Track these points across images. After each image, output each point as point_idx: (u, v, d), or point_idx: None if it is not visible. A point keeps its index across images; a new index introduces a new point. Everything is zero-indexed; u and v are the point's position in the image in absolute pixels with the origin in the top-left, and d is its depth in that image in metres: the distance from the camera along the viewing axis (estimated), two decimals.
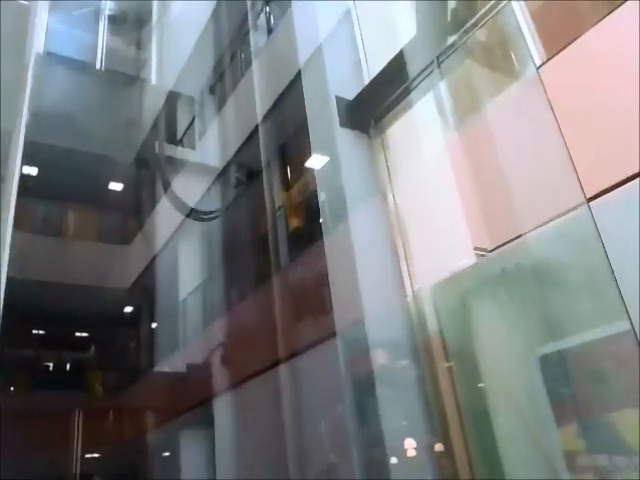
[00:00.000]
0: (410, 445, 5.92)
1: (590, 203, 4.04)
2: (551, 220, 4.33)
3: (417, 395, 5.79)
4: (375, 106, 6.88)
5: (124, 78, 15.49)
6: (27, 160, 13.66)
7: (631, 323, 3.27)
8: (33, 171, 14.50)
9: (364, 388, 6.39)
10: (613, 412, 3.67)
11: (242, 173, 10.05)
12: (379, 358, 6.33)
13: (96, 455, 14.46)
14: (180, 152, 13.25)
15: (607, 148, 4.09)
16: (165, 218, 13.11)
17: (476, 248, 5.39)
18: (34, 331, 16.50)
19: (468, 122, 6.03)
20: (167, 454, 12.87)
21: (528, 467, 4.34)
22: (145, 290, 14.49)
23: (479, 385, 5.09)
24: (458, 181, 5.77)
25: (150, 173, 14.88)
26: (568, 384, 4.03)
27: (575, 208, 4.15)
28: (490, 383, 4.88)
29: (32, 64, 10.85)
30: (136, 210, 16.03)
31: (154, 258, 13.35)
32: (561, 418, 4.04)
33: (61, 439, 12.68)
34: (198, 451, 10.94)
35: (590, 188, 4.09)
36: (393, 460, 6.01)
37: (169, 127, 13.71)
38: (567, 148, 4.33)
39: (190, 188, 11.88)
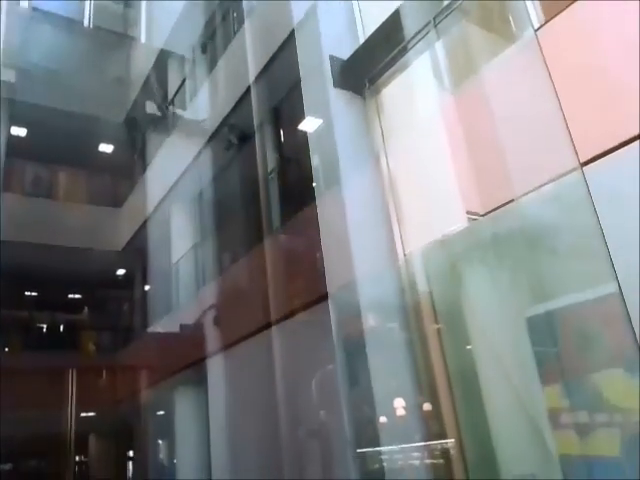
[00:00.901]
0: (399, 404, 6.06)
1: (584, 167, 4.04)
2: (544, 184, 4.34)
3: (406, 356, 5.90)
4: (370, 66, 6.75)
5: (113, 36, 15.09)
6: (15, 121, 13.43)
7: (618, 285, 3.32)
8: (22, 132, 14.26)
9: (355, 349, 6.49)
10: (596, 372, 3.77)
11: (234, 135, 9.91)
12: (370, 320, 6.42)
13: (91, 414, 14.73)
14: (171, 112, 13.02)
15: (603, 112, 4.06)
16: (157, 180, 13.00)
17: (468, 212, 5.41)
18: (27, 293, 16.55)
19: (464, 85, 5.96)
20: (161, 412, 13.12)
21: (513, 424, 4.47)
22: (137, 253, 14.49)
23: (467, 347, 5.18)
24: (452, 145, 5.73)
25: (141, 134, 14.67)
26: (554, 345, 4.11)
27: (568, 172, 4.15)
28: (478, 345, 4.97)
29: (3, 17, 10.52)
30: (127, 172, 15.87)
31: (146, 221, 13.29)
32: (546, 378, 4.14)
33: (55, 397, 12.87)
34: (192, 410, 11.16)
35: (584, 152, 4.08)
36: (382, 419, 6.16)
37: (160, 87, 13.45)
38: (562, 112, 4.30)
39: (181, 150, 11.74)
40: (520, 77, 4.93)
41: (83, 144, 14.64)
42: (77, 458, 15.60)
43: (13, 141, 13.64)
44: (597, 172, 3.95)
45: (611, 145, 3.89)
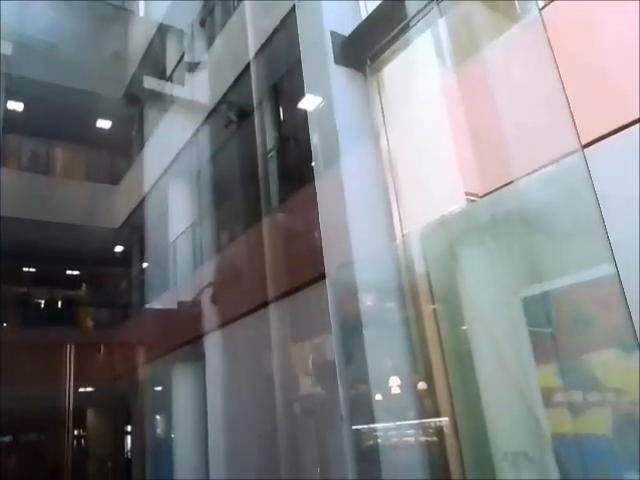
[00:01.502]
0: (394, 383, 6.13)
1: (585, 149, 4.03)
2: (544, 166, 4.32)
3: (402, 336, 5.94)
4: (371, 43, 6.66)
5: (111, 10, 14.85)
6: (11, 95, 13.28)
7: (616, 267, 3.34)
8: (18, 107, 14.12)
9: (351, 328, 6.54)
10: (591, 352, 3.81)
11: (233, 112, 9.83)
12: (367, 300, 6.45)
13: (89, 389, 14.88)
14: (169, 88, 12.87)
15: (606, 94, 4.03)
16: (154, 158, 12.93)
17: (467, 193, 5.39)
18: (25, 269, 16.57)
19: (466, 64, 5.89)
20: (159, 388, 13.25)
21: (506, 403, 4.53)
22: (135, 230, 14.48)
23: (462, 327, 5.22)
24: (452, 125, 5.69)
25: (139, 110, 14.54)
26: (549, 325, 4.15)
27: (569, 154, 4.13)
28: (473, 325, 5.01)
29: None
30: (125, 149, 15.77)
31: (143, 199, 13.25)
32: (541, 357, 4.19)
33: (53, 373, 12.98)
34: (189, 386, 11.27)
35: (586, 135, 4.06)
36: (378, 397, 6.24)
37: (158, 62, 13.28)
38: (565, 94, 4.26)
39: (179, 127, 11.64)
40: (523, 57, 4.88)
41: (80, 120, 14.53)
42: (75, 432, 15.81)
43: (9, 116, 13.51)
44: (598, 154, 3.93)
45: (613, 127, 3.87)
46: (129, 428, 15.91)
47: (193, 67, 11.91)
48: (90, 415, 16.81)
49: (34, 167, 15.42)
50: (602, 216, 3.70)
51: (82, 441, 16.54)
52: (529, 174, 4.47)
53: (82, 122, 14.69)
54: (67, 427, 14.21)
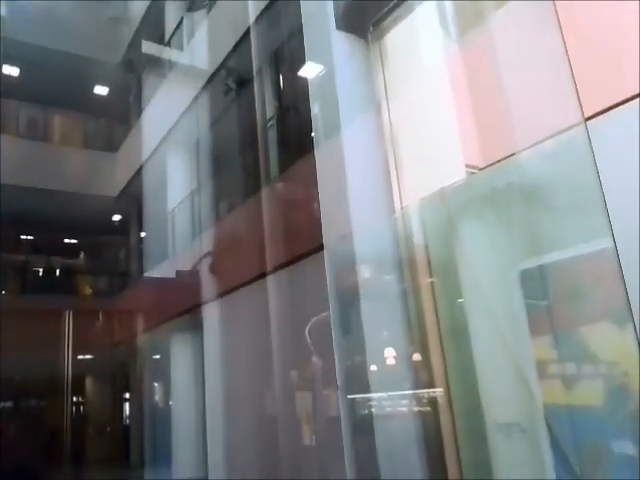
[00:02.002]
0: (390, 354, 6.19)
1: (587, 122, 3.97)
2: (546, 139, 4.27)
3: (399, 308, 5.97)
4: (374, 8, 6.50)
5: None
6: (7, 59, 13.05)
7: (614, 240, 3.34)
8: (14, 71, 13.90)
9: (349, 300, 6.57)
10: (586, 325, 3.84)
11: (232, 80, 9.66)
12: (364, 272, 6.47)
13: (88, 356, 15.05)
14: (168, 53, 12.65)
15: (612, 66, 3.96)
16: (153, 125, 12.78)
17: (467, 165, 5.35)
18: (23, 237, 16.57)
19: (470, 34, 5.77)
20: (157, 356, 13.40)
21: (500, 375, 4.58)
22: (133, 199, 14.42)
23: (459, 300, 5.25)
24: (455, 95, 5.61)
25: (137, 76, 14.32)
26: (546, 298, 4.17)
27: (572, 127, 4.08)
28: (470, 298, 5.03)
29: None
30: (123, 116, 15.59)
31: (142, 167, 13.16)
32: (536, 330, 4.22)
33: (52, 340, 13.10)
34: (187, 354, 11.40)
35: (589, 107, 4.00)
36: (373, 367, 6.31)
37: (157, 26, 13.01)
38: (570, 65, 4.18)
39: (178, 94, 11.47)
40: (529, 28, 4.77)
41: (78, 86, 14.33)
42: (74, 399, 16.05)
43: (5, 81, 13.32)
44: (601, 127, 3.88)
45: (617, 100, 3.81)
46: (127, 395, 16.14)
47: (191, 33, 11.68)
48: (89, 382, 17.04)
49: (32, 134, 15.26)
50: (602, 189, 3.68)
51: (81, 408, 16.80)
52: (531, 147, 4.43)
53: (79, 88, 14.49)
54: (66, 394, 14.41)
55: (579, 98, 4.10)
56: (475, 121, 5.37)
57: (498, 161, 4.87)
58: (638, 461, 3.42)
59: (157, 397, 14.21)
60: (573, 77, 4.15)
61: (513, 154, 4.67)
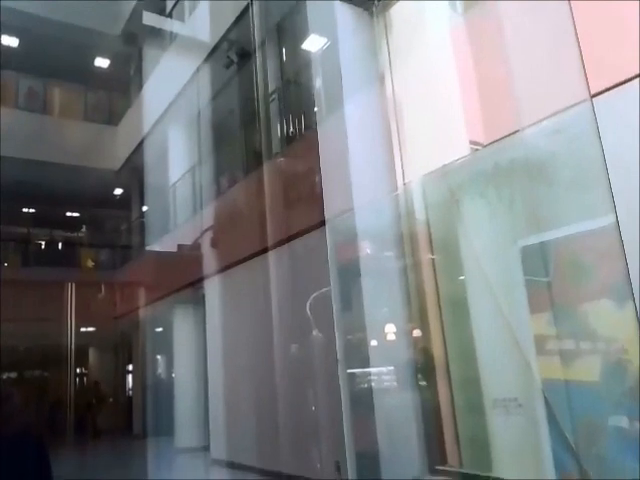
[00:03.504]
0: (390, 329, 6.24)
1: (594, 99, 3.93)
2: (552, 116, 4.23)
3: (400, 284, 6.00)
4: None
5: None
6: (5, 29, 12.84)
7: (616, 218, 3.33)
8: (13, 42, 13.69)
9: (350, 275, 6.59)
10: (586, 302, 3.85)
11: (234, 52, 9.51)
12: (366, 247, 6.47)
13: (91, 329, 15.18)
14: (169, 24, 12.42)
15: (621, 41, 3.89)
16: (154, 98, 12.64)
17: (471, 142, 5.31)
18: (25, 210, 16.56)
19: (476, 7, 5.66)
20: (160, 329, 13.53)
21: (499, 351, 4.62)
22: (134, 173, 14.36)
23: (460, 277, 5.26)
24: (459, 71, 5.53)
25: (137, 48, 14.11)
26: (547, 275, 4.18)
27: (578, 104, 4.03)
28: (470, 274, 5.04)
29: None
30: (123, 88, 15.42)
31: (143, 140, 13.06)
32: (536, 306, 4.24)
33: (55, 312, 13.18)
34: (189, 327, 11.50)
35: (596, 83, 3.95)
36: (373, 342, 6.37)
37: None
38: (578, 41, 4.11)
39: (179, 66, 11.31)
40: (536, 2, 4.68)
41: (78, 58, 14.13)
42: (77, 370, 16.26)
43: (5, 51, 13.14)
44: (607, 104, 3.84)
45: (626, 77, 3.76)
46: (130, 367, 16.35)
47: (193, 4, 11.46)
48: (92, 354, 17.24)
49: (32, 106, 15.11)
50: (606, 167, 3.66)
51: (84, 379, 17.03)
52: (536, 123, 4.38)
53: (79, 60, 14.29)
54: (69, 365, 14.58)
55: (586, 74, 4.04)
56: (480, 97, 5.30)
57: (502, 138, 4.83)
58: (634, 436, 3.47)
59: (159, 369, 14.40)
60: (580, 53, 4.09)
61: (517, 131, 4.62)
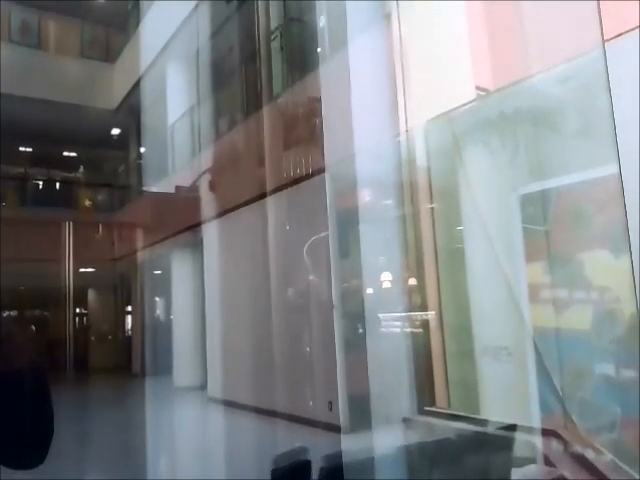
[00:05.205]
0: (386, 278, 6.30)
1: (606, 44, 3.78)
2: (562, 63, 4.09)
3: (398, 233, 5.99)
4: None
5: None
6: None
7: (619, 168, 3.28)
8: None
9: (348, 222, 6.59)
10: (582, 252, 3.86)
11: None
12: (365, 195, 6.44)
13: (89, 270, 15.27)
14: None
15: None
16: (151, 34, 12.21)
17: (478, 88, 5.17)
18: (21, 149, 16.32)
19: None
20: (158, 272, 13.64)
21: (493, 299, 4.67)
22: (132, 112, 14.06)
23: (457, 226, 5.26)
24: (469, 12, 5.33)
25: None
26: (544, 223, 4.17)
27: (588, 52, 3.89)
28: (469, 223, 5.03)
29: None
30: (121, 24, 14.88)
31: (140, 79, 12.71)
32: (532, 254, 4.25)
33: (53, 252, 13.20)
34: (188, 270, 11.59)
35: (610, 28, 3.80)
36: (369, 290, 6.44)
37: None
38: None
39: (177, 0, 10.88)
40: None
41: None
42: (77, 310, 16.50)
43: None
44: (619, 50, 3.71)
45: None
46: (129, 308, 16.57)
47: None
48: (90, 294, 17.44)
49: (25, 40, 14.61)
50: (613, 115, 3.57)
51: (84, 319, 17.30)
52: (544, 71, 4.25)
53: None
54: (67, 305, 14.76)
55: (600, 18, 3.88)
56: (489, 41, 5.12)
57: (510, 85, 4.70)
58: (618, 382, 3.56)
59: (158, 310, 14.62)
60: None
61: (526, 78, 4.49)
